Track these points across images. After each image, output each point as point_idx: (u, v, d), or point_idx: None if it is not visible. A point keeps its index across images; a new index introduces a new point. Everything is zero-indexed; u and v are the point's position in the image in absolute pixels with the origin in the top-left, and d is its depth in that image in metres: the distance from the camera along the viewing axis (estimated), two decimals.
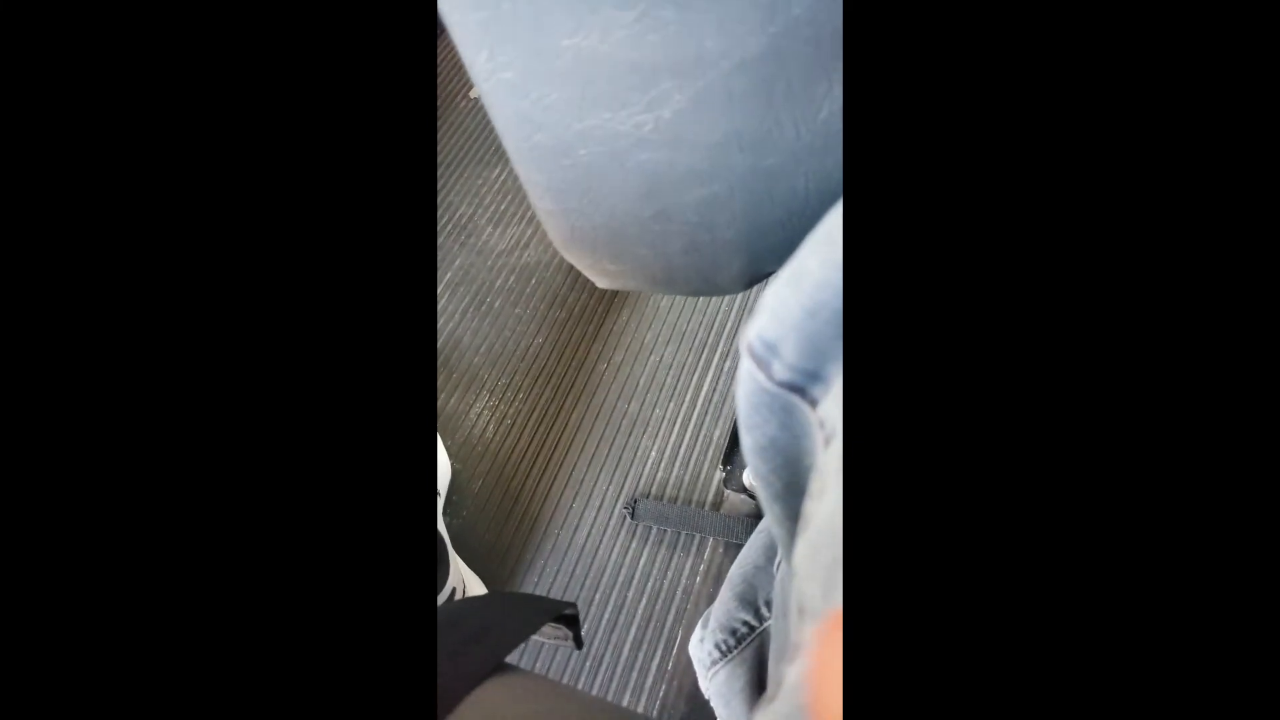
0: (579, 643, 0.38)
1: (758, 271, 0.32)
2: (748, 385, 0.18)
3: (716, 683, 0.37)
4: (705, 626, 0.40)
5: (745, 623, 0.36)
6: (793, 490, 0.19)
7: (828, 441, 0.16)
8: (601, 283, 0.34)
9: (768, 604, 0.36)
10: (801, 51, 0.19)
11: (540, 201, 0.27)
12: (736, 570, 0.39)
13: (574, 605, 0.36)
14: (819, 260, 0.16)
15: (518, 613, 0.34)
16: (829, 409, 0.16)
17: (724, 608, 0.38)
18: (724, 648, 0.37)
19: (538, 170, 0.25)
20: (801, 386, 0.17)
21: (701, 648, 0.39)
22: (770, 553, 0.37)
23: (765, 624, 0.36)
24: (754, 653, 0.36)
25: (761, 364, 0.17)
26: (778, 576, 0.32)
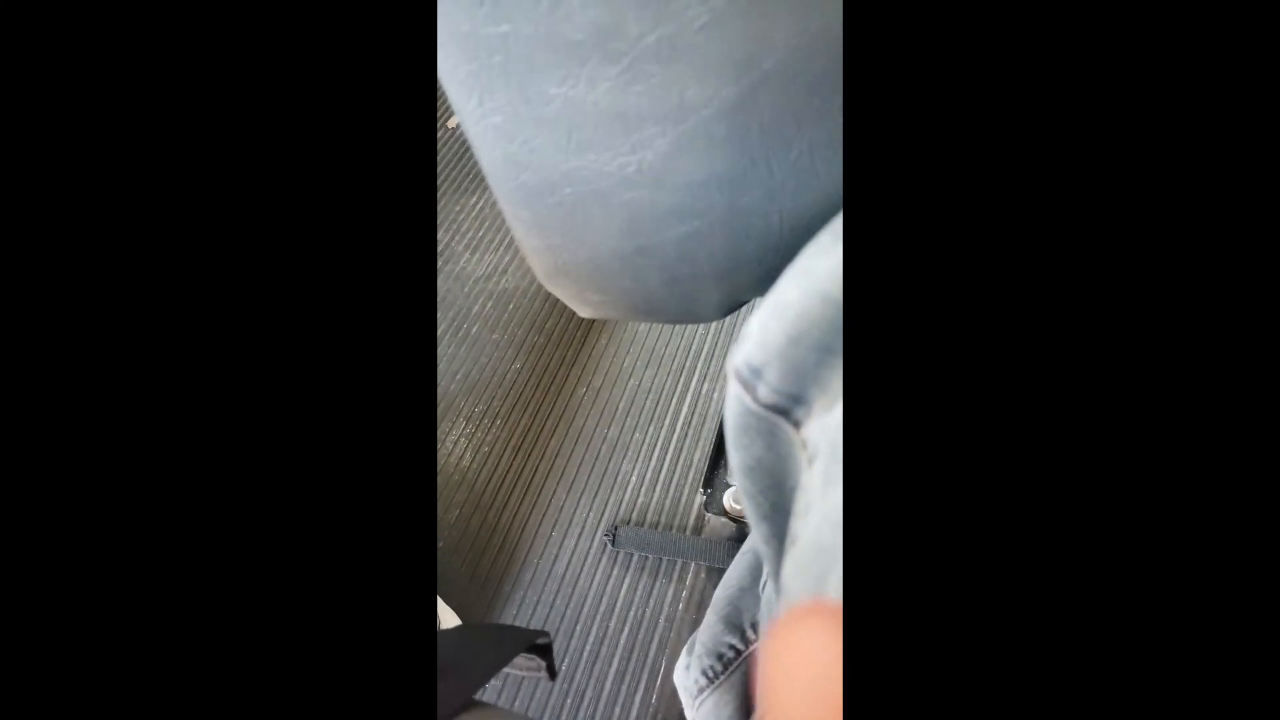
0: (552, 673, 0.37)
1: (734, 301, 0.33)
2: (735, 407, 0.19)
3: (703, 711, 0.37)
4: (690, 653, 0.40)
5: (731, 646, 0.36)
6: (779, 510, 0.20)
7: (810, 461, 0.17)
8: (584, 312, 0.34)
9: (753, 626, 0.36)
10: (773, 100, 0.21)
11: (525, 238, 0.28)
12: (721, 593, 0.39)
13: (546, 634, 0.36)
14: (800, 292, 0.17)
15: (488, 645, 0.33)
16: (811, 430, 0.17)
17: (709, 632, 0.37)
18: (710, 674, 0.37)
19: (524, 208, 0.26)
20: (786, 409, 0.17)
21: (688, 675, 0.39)
22: (755, 573, 0.37)
23: (751, 647, 0.36)
24: (741, 677, 0.36)
25: (748, 387, 0.18)
26: (764, 597, 0.33)
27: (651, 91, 0.19)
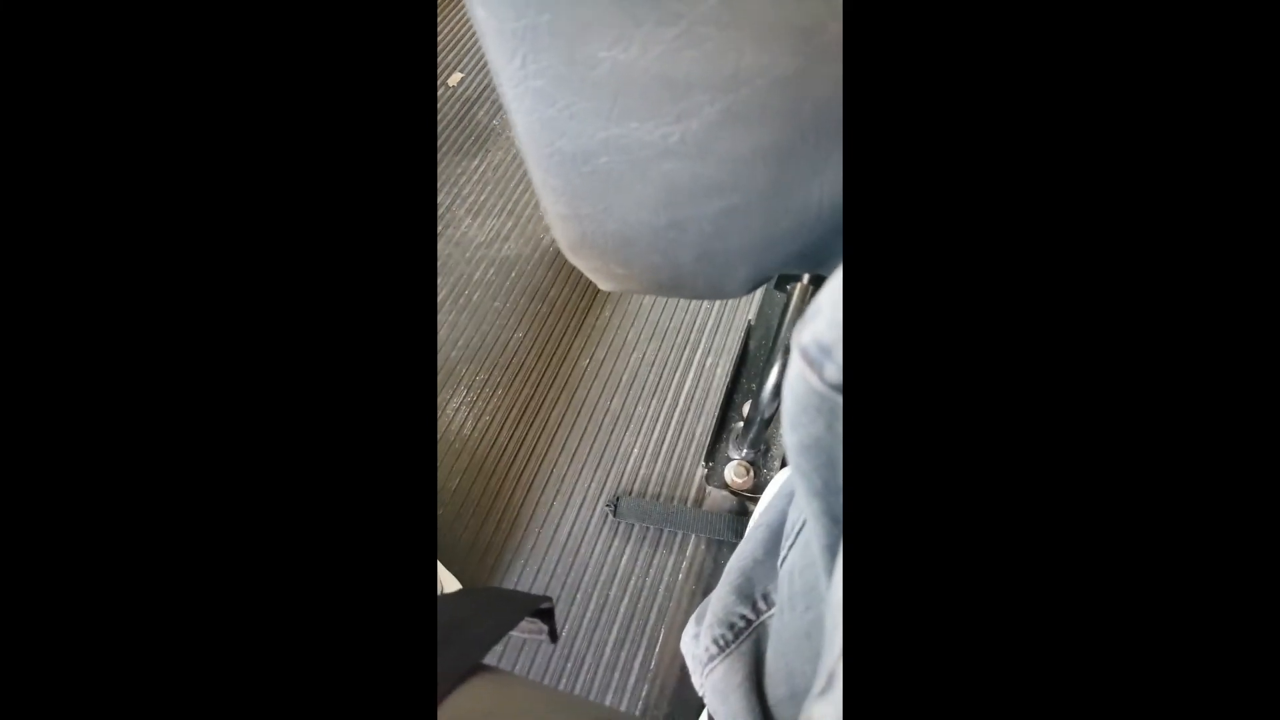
0: (554, 636, 0.38)
1: (761, 277, 0.32)
2: (798, 386, 0.18)
3: (713, 679, 0.37)
4: (700, 622, 0.40)
5: (743, 616, 0.37)
6: (830, 489, 0.20)
7: None
8: (606, 286, 0.33)
9: (764, 597, 0.37)
10: (831, 72, 0.20)
11: (554, 206, 0.27)
12: (735, 563, 0.39)
13: (549, 599, 0.37)
14: None
15: (492, 609, 0.33)
16: None
17: (721, 602, 0.38)
18: (721, 642, 0.37)
19: (556, 175, 0.25)
20: None
21: (697, 644, 0.39)
22: (770, 546, 0.38)
23: (763, 617, 0.36)
24: (751, 645, 0.36)
25: (815, 366, 0.17)
26: (784, 569, 0.33)
27: (706, 57, 0.18)
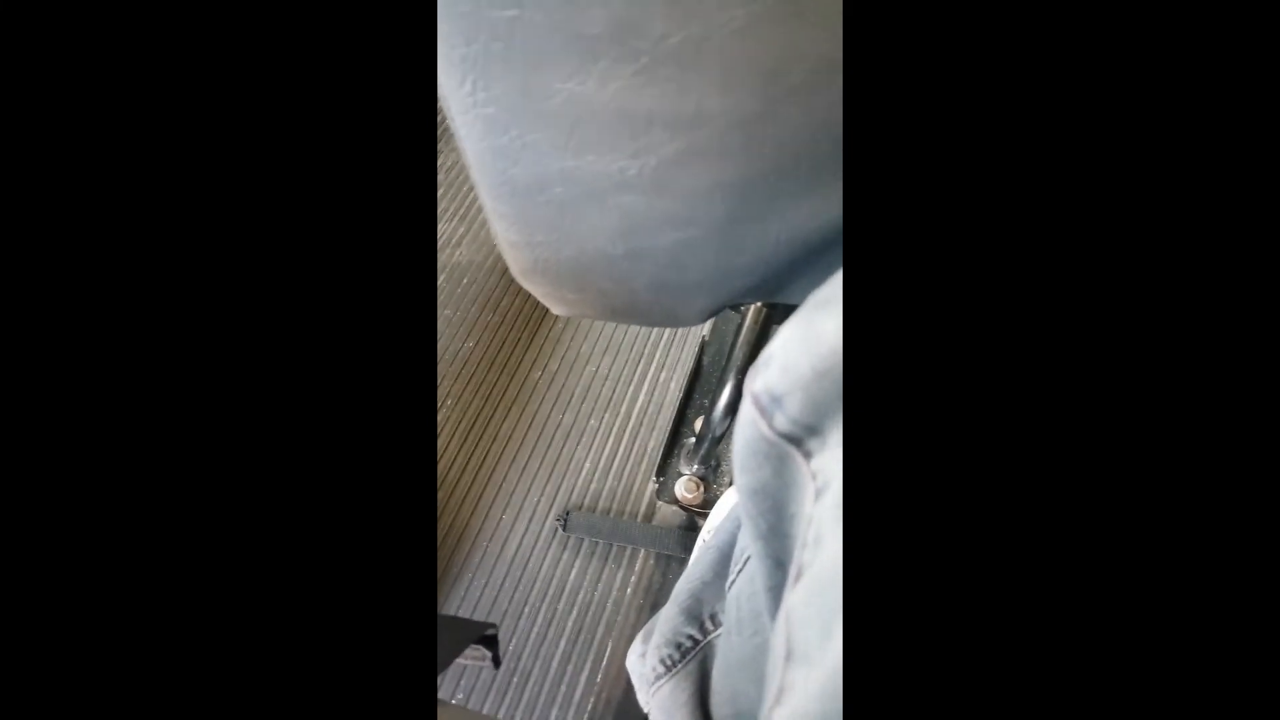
0: (496, 663, 0.38)
1: (718, 307, 0.32)
2: (748, 431, 0.18)
3: (659, 698, 0.37)
4: (646, 641, 0.40)
5: (690, 636, 0.37)
6: (776, 533, 0.20)
7: (819, 494, 0.17)
8: (558, 310, 0.33)
9: (712, 618, 0.37)
10: (794, 114, 0.20)
11: (505, 233, 0.26)
12: (684, 584, 0.39)
13: (494, 626, 0.36)
14: (835, 325, 0.16)
15: (439, 638, 0.33)
16: (823, 462, 0.17)
17: (670, 623, 0.38)
18: (669, 662, 0.37)
19: (507, 204, 0.24)
20: (799, 439, 0.17)
21: (644, 663, 0.39)
22: (720, 568, 0.38)
23: (709, 637, 0.37)
24: (697, 665, 0.36)
25: (765, 414, 0.17)
26: (731, 593, 0.33)
27: (666, 95, 0.18)
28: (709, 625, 0.38)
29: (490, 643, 0.37)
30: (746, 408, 0.18)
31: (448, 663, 0.31)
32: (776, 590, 0.21)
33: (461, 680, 0.58)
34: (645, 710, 0.42)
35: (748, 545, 0.32)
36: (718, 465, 0.69)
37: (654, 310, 0.30)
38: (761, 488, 0.19)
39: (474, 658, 0.39)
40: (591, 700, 0.58)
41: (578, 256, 0.26)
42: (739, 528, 0.37)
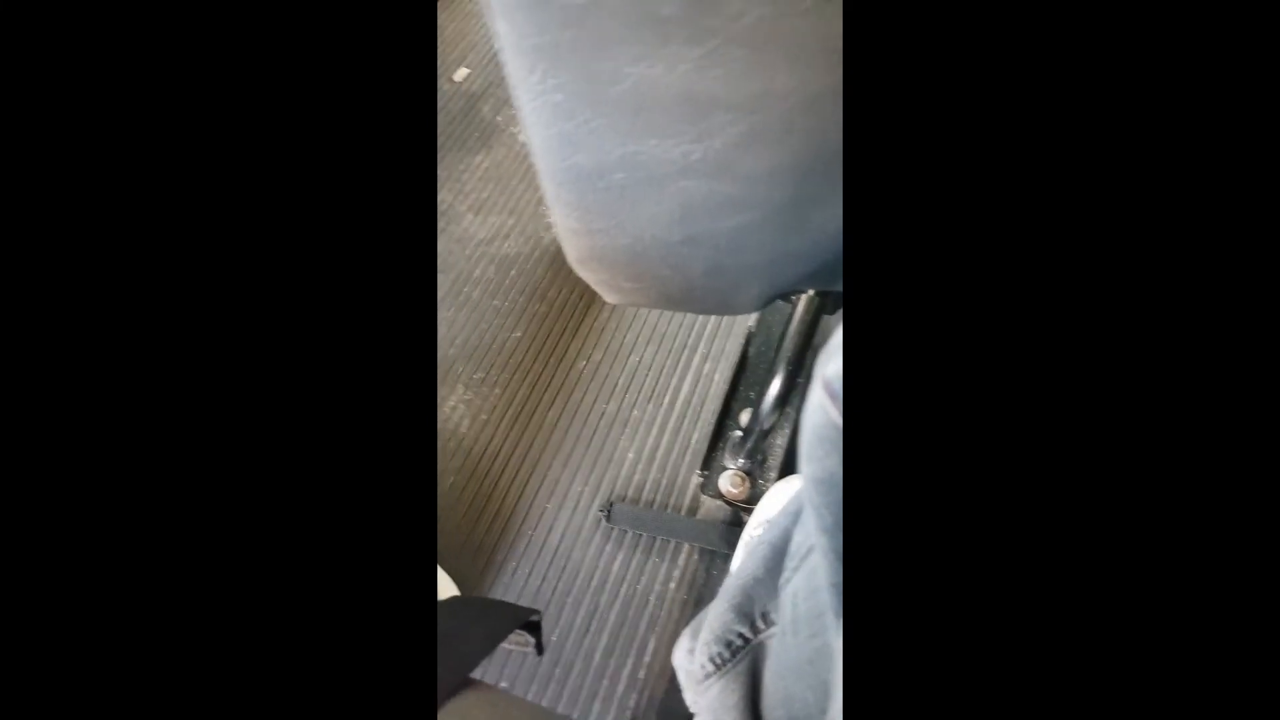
0: (540, 649, 0.38)
1: (773, 293, 0.32)
2: (817, 418, 0.18)
3: (708, 697, 0.37)
4: (694, 637, 0.40)
5: (741, 634, 0.36)
6: (842, 527, 0.20)
7: None
8: (612, 298, 0.33)
9: (764, 616, 0.36)
10: None
11: (564, 220, 0.26)
12: (734, 580, 0.39)
13: (538, 612, 0.37)
14: None
15: (481, 622, 0.33)
16: None
17: (720, 619, 0.37)
18: (718, 660, 0.37)
19: (569, 190, 0.24)
20: None
21: (692, 659, 0.39)
22: (772, 565, 0.37)
23: (761, 636, 0.36)
24: (749, 665, 0.36)
25: (836, 399, 0.17)
26: (787, 590, 0.32)
27: (733, 77, 0.17)
28: (760, 624, 0.37)
29: (534, 629, 0.38)
30: (816, 394, 0.18)
31: (492, 647, 0.32)
32: (840, 586, 0.20)
33: (505, 667, 0.59)
34: (691, 710, 0.42)
35: (809, 540, 0.31)
36: (764, 460, 0.68)
37: (708, 297, 0.30)
38: (829, 477, 0.19)
39: (518, 643, 0.39)
40: (634, 697, 0.58)
41: (635, 243, 0.26)
42: (794, 522, 0.36)
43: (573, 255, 0.29)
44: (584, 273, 0.30)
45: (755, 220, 0.25)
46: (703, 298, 0.30)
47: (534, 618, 0.36)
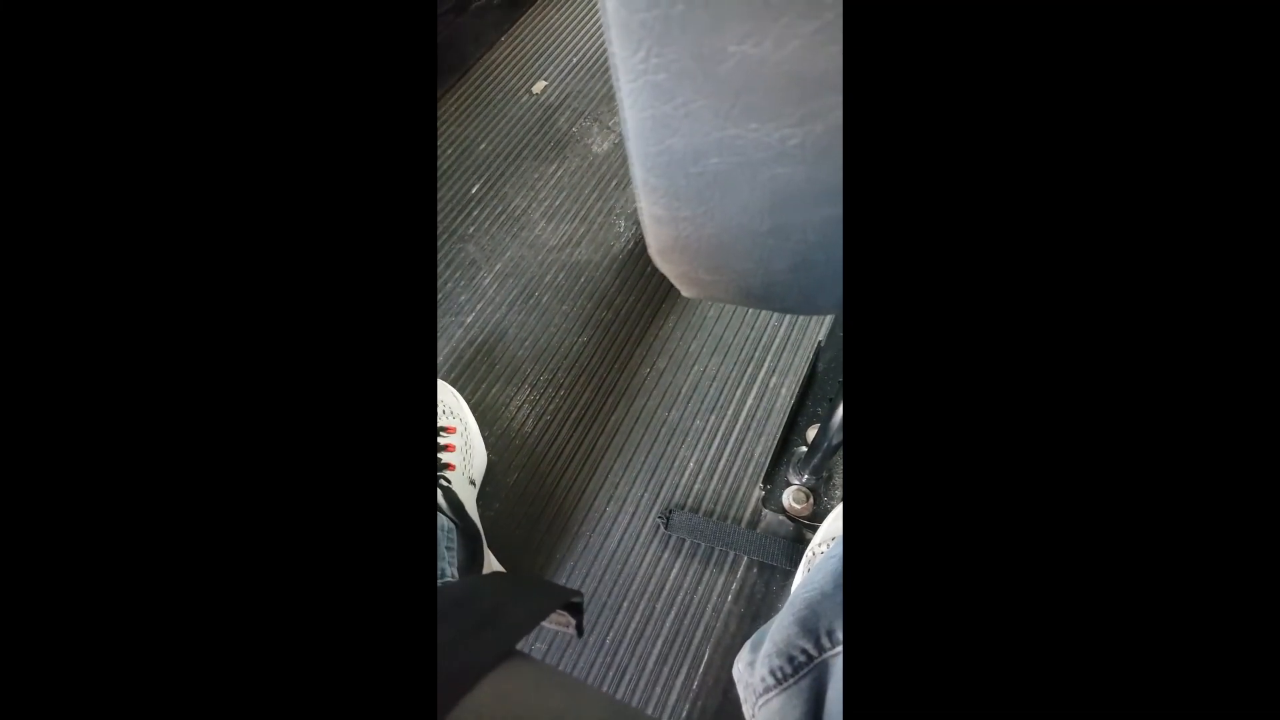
0: (580, 631, 0.38)
1: None
2: None
3: (767, 711, 0.36)
4: (755, 650, 0.39)
5: (804, 650, 0.35)
6: None
7: None
8: (689, 292, 0.33)
9: (829, 634, 0.35)
10: None
11: (651, 207, 0.26)
12: (799, 593, 0.38)
13: (580, 594, 0.36)
14: None
15: (526, 596, 0.33)
16: None
17: (783, 632, 0.36)
18: (780, 674, 0.35)
19: (660, 175, 0.24)
20: None
21: (752, 672, 0.38)
22: (840, 580, 0.36)
23: (825, 654, 0.35)
24: (811, 684, 0.34)
25: None
26: None
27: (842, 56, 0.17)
28: (825, 642, 0.36)
29: (575, 610, 0.37)
30: None
31: (535, 622, 0.32)
32: None
33: (560, 664, 0.59)
34: None
35: None
36: (829, 477, 0.66)
37: (789, 294, 0.30)
38: None
39: (559, 623, 0.39)
40: (686, 708, 0.57)
41: (721, 233, 0.26)
42: None
43: (654, 245, 0.29)
44: (664, 264, 0.30)
45: None
46: (783, 294, 0.30)
47: (575, 599, 0.36)
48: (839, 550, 0.37)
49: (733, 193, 0.24)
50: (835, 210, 0.24)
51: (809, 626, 0.35)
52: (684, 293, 0.34)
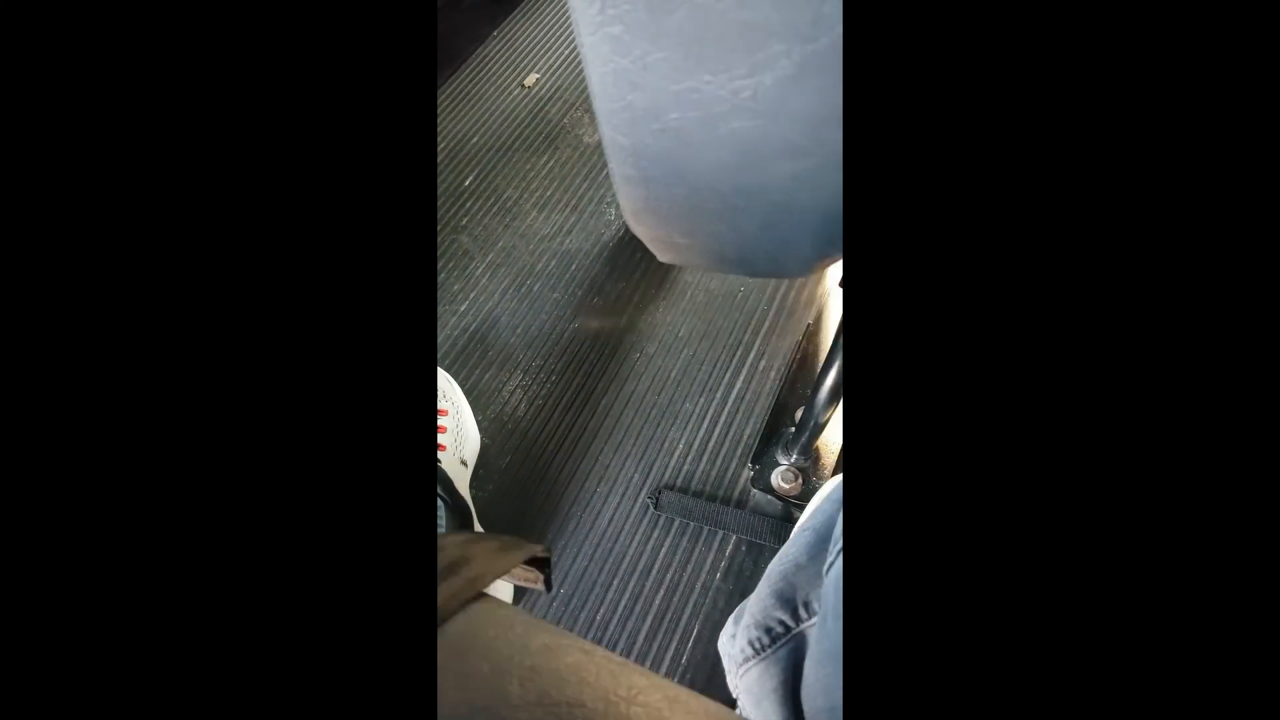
0: (549, 585, 0.39)
1: (823, 255, 0.32)
2: None
3: (747, 680, 0.36)
4: (737, 623, 0.39)
5: (781, 622, 0.36)
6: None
7: None
8: (664, 257, 0.34)
9: (805, 605, 0.36)
10: None
11: (621, 167, 0.27)
12: (776, 566, 0.38)
13: (549, 549, 0.36)
14: None
15: (490, 550, 0.34)
16: None
17: (761, 605, 0.37)
18: (757, 645, 0.36)
19: (625, 134, 0.25)
20: None
21: (733, 644, 0.38)
22: (815, 551, 0.36)
23: (802, 625, 0.35)
24: (789, 653, 0.35)
25: None
26: (829, 576, 0.32)
27: (788, 1, 0.18)
28: (802, 612, 0.36)
29: (543, 564, 0.38)
30: None
31: (502, 572, 0.31)
32: None
33: None
34: (733, 694, 0.41)
35: None
36: (818, 458, 0.67)
37: (760, 256, 0.31)
38: None
39: (526, 579, 0.40)
40: (675, 680, 0.57)
41: (691, 194, 0.27)
42: (838, 509, 0.35)
43: (627, 207, 0.30)
44: (638, 227, 0.31)
45: (809, 169, 0.25)
46: (754, 257, 0.31)
47: (543, 553, 0.36)
48: (814, 521, 0.38)
49: (697, 149, 0.24)
50: (795, 166, 0.25)
51: (786, 598, 0.36)
52: (661, 257, 0.35)
